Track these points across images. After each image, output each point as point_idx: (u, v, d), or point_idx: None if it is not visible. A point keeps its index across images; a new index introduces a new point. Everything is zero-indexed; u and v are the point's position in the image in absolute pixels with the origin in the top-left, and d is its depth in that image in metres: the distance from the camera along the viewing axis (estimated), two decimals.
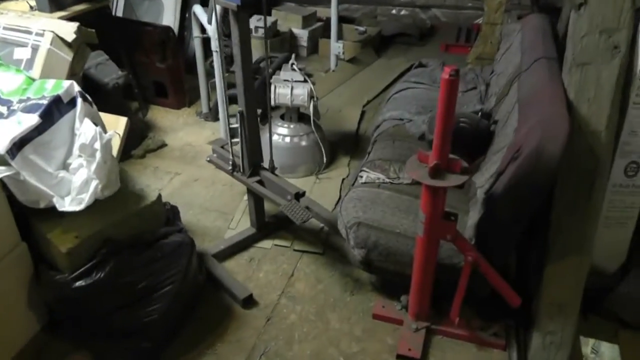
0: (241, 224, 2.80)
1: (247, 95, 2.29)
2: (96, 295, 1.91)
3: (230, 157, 2.46)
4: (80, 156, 1.89)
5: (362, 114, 3.89)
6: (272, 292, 2.40)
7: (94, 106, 2.09)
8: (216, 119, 3.79)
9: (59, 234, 1.92)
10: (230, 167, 2.50)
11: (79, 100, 1.98)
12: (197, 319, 2.24)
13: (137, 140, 3.39)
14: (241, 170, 2.47)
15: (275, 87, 3.05)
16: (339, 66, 4.52)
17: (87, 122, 1.95)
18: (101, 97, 3.14)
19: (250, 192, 2.54)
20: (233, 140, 2.49)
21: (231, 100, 3.85)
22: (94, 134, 1.91)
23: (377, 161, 2.50)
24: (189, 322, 2.21)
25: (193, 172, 3.23)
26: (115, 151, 2.33)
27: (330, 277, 2.48)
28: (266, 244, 2.68)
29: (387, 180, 2.39)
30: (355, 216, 2.21)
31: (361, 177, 2.45)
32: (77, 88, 2.01)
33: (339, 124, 3.76)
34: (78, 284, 1.88)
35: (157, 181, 3.14)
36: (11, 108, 1.98)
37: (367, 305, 2.33)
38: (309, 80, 3.03)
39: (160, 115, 3.82)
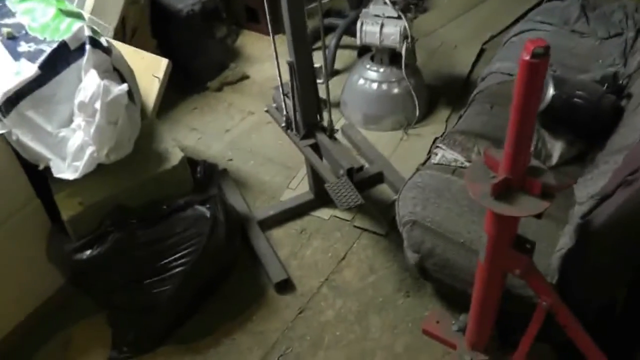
0: (303, 185, 2.44)
1: (296, 42, 1.84)
2: (97, 269, 1.73)
3: (284, 107, 2.07)
4: (79, 116, 1.63)
5: (481, 52, 3.18)
6: (315, 277, 2.06)
7: (113, 53, 1.79)
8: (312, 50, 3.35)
9: (63, 198, 1.74)
10: (284, 124, 2.11)
11: (88, 48, 1.69)
12: (222, 297, 2.00)
13: (215, 71, 3.10)
14: (294, 129, 2.08)
15: (362, 23, 2.51)
16: None
17: (92, 74, 1.66)
18: (175, 26, 2.90)
19: None
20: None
21: (327, 30, 3.41)
22: (95, 89, 1.62)
23: (458, 135, 1.93)
24: (213, 299, 1.98)
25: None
26: (152, 99, 2.06)
27: (387, 269, 2.07)
28: (325, 213, 2.31)
29: (466, 164, 1.84)
30: (412, 211, 1.74)
31: (435, 154, 1.93)
32: (87, 32, 1.71)
33: (450, 63, 3.11)
34: (78, 256, 1.70)
35: (227, 120, 2.86)
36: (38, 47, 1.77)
37: (421, 314, 1.91)
38: (403, 17, 2.44)
39: (251, 42, 3.46)
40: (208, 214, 1.83)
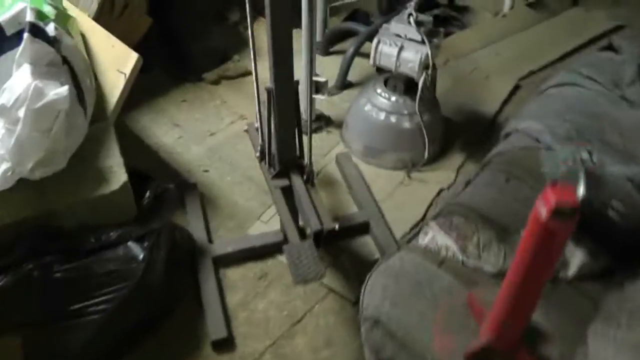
0: (276, 219, 2.12)
1: (278, 65, 1.50)
2: (1, 301, 1.45)
3: (259, 135, 1.75)
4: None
5: (515, 89, 2.79)
6: (261, 339, 1.77)
7: (62, 43, 1.49)
8: (327, 52, 2.99)
9: None
10: (258, 153, 1.79)
11: (25, 36, 1.38)
12: (157, 341, 1.71)
13: (215, 61, 2.77)
14: (267, 163, 1.76)
15: (379, 41, 2.15)
16: (514, 9, 3.31)
17: (24, 71, 1.37)
18: (180, 3, 2.57)
19: None
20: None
21: (343, 35, 3.05)
22: (22, 92, 1.32)
23: (457, 216, 1.59)
24: (146, 341, 1.69)
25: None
26: (115, 98, 1.75)
27: (346, 345, 1.76)
28: None
29: (460, 256, 1.51)
30: (378, 306, 1.42)
31: (425, 233, 1.59)
32: (29, 16, 1.40)
33: (477, 96, 2.73)
34: None
35: (214, 121, 2.54)
36: None
37: None
38: (427, 43, 2.07)
39: (262, 31, 3.10)
40: (141, 256, 1.54)
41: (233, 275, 1.94)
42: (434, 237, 1.56)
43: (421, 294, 1.43)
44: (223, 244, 1.97)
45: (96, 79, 1.80)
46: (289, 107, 1.60)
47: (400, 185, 2.29)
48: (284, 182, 1.73)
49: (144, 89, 2.44)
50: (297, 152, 1.73)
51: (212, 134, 2.48)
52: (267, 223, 2.11)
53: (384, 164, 2.36)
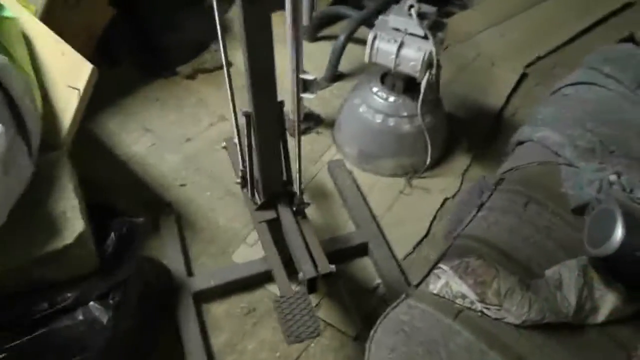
0: None
1: (257, 88, 1.25)
2: None
3: (239, 159, 1.50)
4: None
5: (522, 77, 2.54)
6: None
7: None
8: (314, 38, 2.71)
9: None
10: (239, 180, 1.55)
11: None
12: None
13: (191, 51, 2.47)
14: (249, 192, 1.52)
15: (375, 37, 1.88)
16: None
17: None
18: None
19: None
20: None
21: (332, 19, 2.76)
22: None
23: (472, 258, 1.37)
24: None
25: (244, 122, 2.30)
26: (67, 120, 1.49)
27: None
28: None
29: (479, 307, 1.30)
30: None
31: (436, 277, 1.37)
32: None
33: (481, 87, 2.48)
34: None
35: (191, 124, 2.28)
36: None
37: None
38: (431, 38, 1.80)
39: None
40: (105, 318, 1.30)
41: (217, 311, 1.72)
42: (448, 283, 1.34)
43: (436, 354, 1.22)
44: (205, 277, 1.74)
45: (45, 93, 1.52)
46: (272, 132, 1.36)
47: (400, 196, 2.06)
48: (270, 214, 1.50)
49: (111, 86, 2.16)
50: (285, 178, 1.49)
51: (189, 139, 2.21)
52: (253, 247, 1.88)
53: (381, 170, 2.12)
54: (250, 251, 1.87)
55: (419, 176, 2.10)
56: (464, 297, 1.31)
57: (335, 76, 2.50)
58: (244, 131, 1.38)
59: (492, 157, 2.20)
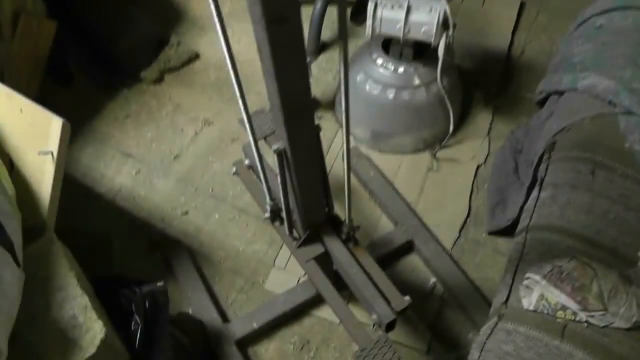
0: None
1: (291, 117, 0.98)
2: None
3: (266, 194, 1.25)
4: None
5: (521, 8, 2.29)
6: None
7: None
8: None
9: None
10: (268, 214, 1.30)
11: None
12: None
13: (150, 51, 2.13)
14: (287, 229, 1.27)
15: (376, 5, 1.60)
16: None
17: None
18: None
19: None
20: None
21: None
22: None
23: (564, 259, 1.18)
24: None
25: (231, 121, 2.00)
26: (46, 194, 1.21)
27: None
28: (332, 311, 1.57)
29: (584, 316, 1.12)
30: None
31: (528, 290, 1.18)
32: None
33: (479, 31, 2.23)
34: None
35: (174, 137, 1.98)
36: None
37: None
38: None
39: None
40: None
41: (268, 353, 1.52)
42: (542, 295, 1.15)
43: None
44: (244, 321, 1.52)
45: (12, 168, 1.22)
46: (312, 164, 1.11)
47: (428, 174, 1.85)
48: (317, 248, 1.27)
49: (72, 111, 1.80)
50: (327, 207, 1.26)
51: (177, 156, 1.92)
52: (286, 269, 1.66)
53: (401, 149, 1.90)
54: (284, 276, 1.65)
55: (443, 146, 1.89)
56: (564, 308, 1.14)
57: (319, 48, 2.20)
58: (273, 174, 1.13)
59: (513, 106, 2.00)
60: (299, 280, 1.63)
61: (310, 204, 1.18)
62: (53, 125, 1.20)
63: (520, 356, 1.09)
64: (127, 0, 2.05)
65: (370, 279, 1.21)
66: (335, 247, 1.25)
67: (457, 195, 1.78)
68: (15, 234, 1.11)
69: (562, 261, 1.17)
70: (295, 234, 1.28)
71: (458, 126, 1.93)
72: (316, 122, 1.94)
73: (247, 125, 1.08)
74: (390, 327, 1.15)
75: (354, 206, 1.75)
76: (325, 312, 1.58)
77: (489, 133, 1.93)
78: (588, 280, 1.14)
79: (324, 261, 1.28)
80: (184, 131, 1.99)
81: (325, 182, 1.21)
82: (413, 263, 1.66)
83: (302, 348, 1.53)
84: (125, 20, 2.01)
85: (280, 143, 1.03)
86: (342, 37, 0.85)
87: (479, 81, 2.07)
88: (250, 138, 1.12)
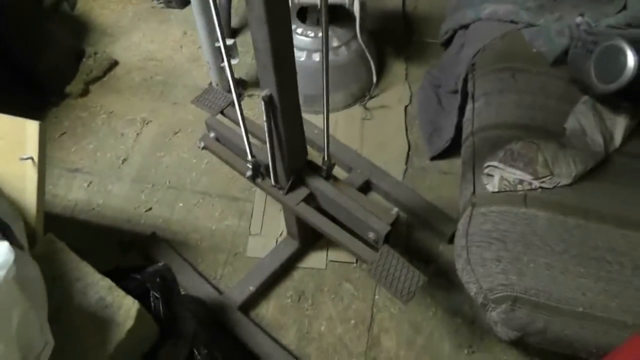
0: (269, 223, 1.78)
1: (279, 63, 1.09)
2: None
3: (247, 149, 1.34)
4: None
5: None
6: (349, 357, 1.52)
7: None
8: (185, 2, 2.44)
9: None
10: (250, 172, 1.39)
11: None
12: None
13: (70, 65, 2.11)
14: (272, 180, 1.38)
15: None
16: None
17: None
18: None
19: None
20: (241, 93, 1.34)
21: None
22: None
23: (512, 143, 1.40)
24: None
25: (169, 115, 2.06)
26: (32, 204, 1.22)
27: (430, 319, 1.58)
28: (318, 259, 1.71)
29: (537, 184, 1.34)
30: (505, 283, 1.22)
31: (489, 177, 1.39)
32: None
33: None
34: None
35: (116, 143, 1.99)
36: None
37: None
38: None
39: (97, 4, 2.44)
40: None
41: (269, 313, 1.61)
42: (502, 176, 1.36)
43: (533, 246, 1.26)
44: (239, 288, 1.60)
45: None
46: (295, 109, 1.22)
47: (364, 122, 2.02)
48: (304, 191, 1.38)
49: None
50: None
51: (124, 159, 1.94)
52: (262, 234, 1.76)
53: (334, 106, 2.05)
54: (262, 240, 1.74)
55: (371, 97, 2.07)
56: (521, 182, 1.35)
57: (232, 34, 2.30)
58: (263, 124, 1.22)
59: (420, 52, 2.22)
60: (277, 241, 1.73)
61: (295, 148, 1.29)
62: (28, 129, 1.22)
63: (498, 229, 1.29)
64: (43, 18, 2.01)
65: (362, 205, 1.34)
66: (320, 185, 1.37)
67: (394, 135, 1.97)
68: (22, 238, 1.12)
69: (510, 145, 1.38)
70: (278, 185, 1.38)
71: (379, 78, 2.12)
72: (248, 100, 2.06)
73: (231, 82, 1.17)
74: (387, 238, 1.30)
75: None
76: (310, 262, 1.70)
77: (406, 78, 2.14)
78: (534, 154, 1.36)
79: (310, 203, 1.39)
80: (125, 135, 2.00)
81: (303, 134, 1.32)
82: (374, 199, 1.82)
83: (299, 299, 1.63)
84: (44, 38, 1.97)
85: (267, 90, 1.13)
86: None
87: (385, 37, 2.27)
88: (234, 95, 1.22)
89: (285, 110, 1.18)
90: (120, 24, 2.35)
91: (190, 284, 1.62)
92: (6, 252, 0.89)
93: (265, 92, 1.13)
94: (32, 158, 1.21)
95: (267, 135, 1.23)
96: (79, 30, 2.28)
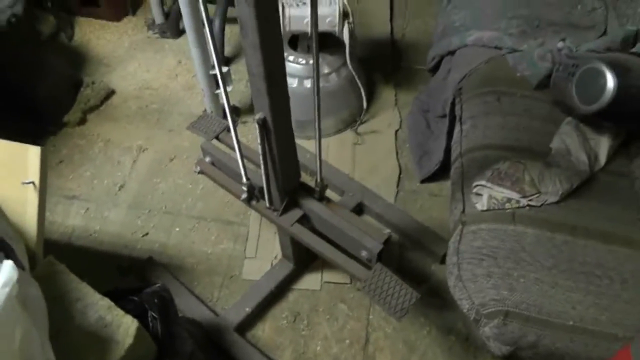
0: (264, 246, 1.81)
1: (272, 87, 1.14)
2: None
3: (242, 172, 1.38)
4: None
5: (391, 1, 2.63)
6: None
7: None
8: (179, 33, 2.51)
9: None
10: (245, 195, 1.43)
11: None
12: None
13: (68, 95, 2.16)
14: (267, 201, 1.41)
15: (282, 6, 1.81)
16: None
17: None
18: None
19: None
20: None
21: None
22: None
23: (500, 163, 1.45)
24: None
25: (165, 142, 2.10)
26: (32, 225, 1.25)
27: (424, 338, 1.60)
28: (312, 281, 1.73)
29: (525, 202, 1.39)
30: (497, 298, 1.26)
31: (478, 196, 1.43)
32: None
33: (358, 24, 2.51)
34: None
35: (113, 170, 2.02)
36: None
37: None
38: None
39: (94, 35, 2.50)
40: None
41: (264, 334, 1.62)
42: (490, 195, 1.40)
43: (523, 262, 1.29)
44: (235, 309, 1.62)
45: None
46: (288, 132, 1.27)
47: (355, 147, 2.07)
48: (297, 212, 1.42)
49: None
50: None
51: (121, 186, 1.97)
52: (257, 257, 1.78)
53: (325, 132, 2.11)
54: (257, 263, 1.76)
55: (362, 122, 2.12)
56: (509, 200, 1.39)
57: (224, 62, 2.37)
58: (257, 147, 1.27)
59: (409, 78, 2.29)
60: (272, 264, 1.76)
61: (288, 170, 1.33)
62: (30, 154, 1.25)
63: (488, 246, 1.32)
64: (41, 46, 2.06)
65: (355, 225, 1.37)
66: (313, 206, 1.40)
67: (385, 159, 2.02)
68: (24, 259, 1.14)
69: (497, 165, 1.43)
70: (274, 206, 1.42)
71: (369, 103, 2.18)
72: (242, 127, 2.10)
73: (227, 106, 1.22)
74: (380, 257, 1.33)
75: None
76: (305, 283, 1.72)
77: (396, 104, 2.20)
78: (521, 173, 1.41)
79: (304, 224, 1.43)
80: (121, 162, 2.04)
81: (296, 155, 1.37)
82: (367, 222, 1.85)
83: (294, 320, 1.65)
84: (41, 67, 2.02)
85: (261, 113, 1.17)
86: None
87: (374, 64, 2.34)
88: (230, 119, 1.26)
89: (278, 133, 1.22)
90: (117, 54, 2.41)
91: (186, 306, 1.63)
92: (10, 270, 0.91)
93: (259, 116, 1.18)
94: (33, 182, 1.24)
95: (261, 157, 1.27)
96: (77, 60, 2.34)
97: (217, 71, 1.19)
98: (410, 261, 1.76)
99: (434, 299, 1.66)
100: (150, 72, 2.33)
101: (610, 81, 1.36)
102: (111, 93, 2.24)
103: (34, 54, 2.05)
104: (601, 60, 1.40)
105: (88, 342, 1.11)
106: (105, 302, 1.16)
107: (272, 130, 1.21)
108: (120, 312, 1.15)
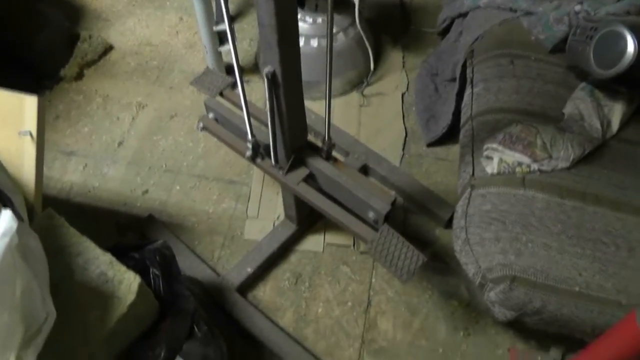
0: (266, 206, 1.78)
1: (283, 39, 1.09)
2: None
3: (248, 129, 1.34)
4: None
5: None
6: (347, 344, 1.53)
7: None
8: None
9: None
10: (249, 152, 1.39)
11: None
12: None
13: (64, 48, 2.09)
14: (272, 159, 1.38)
15: None
16: None
17: None
18: None
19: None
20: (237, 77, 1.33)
21: None
22: None
23: (512, 126, 1.41)
24: None
25: (165, 100, 2.05)
26: (29, 178, 1.21)
27: (427, 302, 1.59)
28: (315, 242, 1.71)
29: (535, 166, 1.36)
30: (504, 263, 1.24)
31: (488, 159, 1.40)
32: None
33: None
34: None
35: (112, 126, 1.97)
36: None
37: (493, 356, 1.50)
38: None
39: None
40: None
41: (265, 295, 1.61)
42: (501, 159, 1.37)
43: (531, 226, 1.27)
44: (237, 270, 1.60)
45: None
46: (298, 87, 1.22)
47: (361, 109, 2.03)
48: (304, 171, 1.38)
49: None
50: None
51: (120, 143, 1.93)
52: (259, 217, 1.76)
53: (332, 93, 2.05)
54: (259, 223, 1.74)
55: (368, 84, 2.07)
56: (520, 164, 1.36)
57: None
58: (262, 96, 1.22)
59: (417, 41, 2.23)
60: (274, 224, 1.73)
61: (296, 127, 1.29)
62: (27, 104, 1.20)
63: (498, 210, 1.30)
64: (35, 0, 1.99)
65: (361, 185, 1.34)
66: (320, 165, 1.37)
67: (391, 122, 1.98)
68: (22, 210, 1.11)
69: (509, 128, 1.40)
70: (280, 165, 1.38)
71: (376, 65, 2.12)
72: (246, 86, 2.04)
73: (235, 61, 1.17)
74: (387, 218, 1.30)
75: None
76: (307, 245, 1.70)
77: (403, 66, 2.15)
78: (533, 137, 1.38)
79: (309, 183, 1.39)
80: (120, 118, 1.99)
81: (304, 112, 1.32)
82: (374, 183, 1.83)
83: (296, 282, 1.63)
84: (37, 20, 1.95)
85: (270, 67, 1.13)
86: None
87: (382, 26, 2.28)
88: (237, 74, 1.21)
89: (287, 87, 1.18)
90: (115, 8, 2.33)
91: (187, 265, 1.61)
92: (9, 219, 0.88)
93: (268, 69, 1.13)
94: (30, 133, 1.19)
95: (269, 112, 1.23)
96: (73, 14, 2.26)
97: (226, 25, 1.14)
98: (414, 225, 1.74)
99: (437, 263, 1.64)
100: (150, 28, 2.25)
101: (631, 45, 1.31)
102: (109, 48, 2.17)
103: (29, 4, 1.97)
104: (622, 24, 1.35)
105: (89, 297, 1.09)
106: (106, 257, 1.14)
107: (281, 85, 1.16)
108: (122, 267, 1.13)
